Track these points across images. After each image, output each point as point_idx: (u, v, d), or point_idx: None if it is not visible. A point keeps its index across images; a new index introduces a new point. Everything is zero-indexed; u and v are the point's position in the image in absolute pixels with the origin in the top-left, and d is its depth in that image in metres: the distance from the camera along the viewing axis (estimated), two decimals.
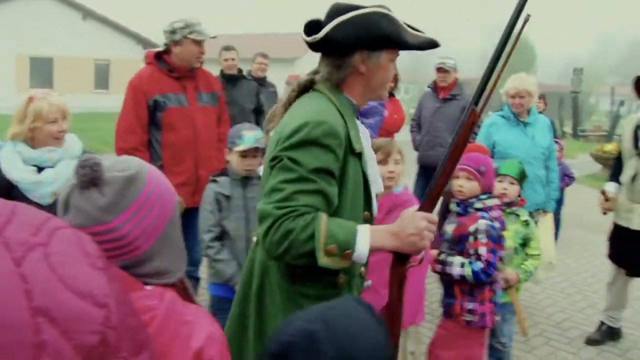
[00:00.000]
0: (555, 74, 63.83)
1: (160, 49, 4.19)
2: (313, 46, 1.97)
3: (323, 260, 1.77)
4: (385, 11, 1.95)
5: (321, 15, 2.01)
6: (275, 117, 2.09)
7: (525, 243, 3.66)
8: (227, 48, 6.34)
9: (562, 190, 6.89)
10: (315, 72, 2.08)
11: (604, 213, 4.57)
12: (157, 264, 1.26)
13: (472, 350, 3.18)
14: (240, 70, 6.37)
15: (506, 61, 1.85)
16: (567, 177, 6.81)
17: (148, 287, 1.23)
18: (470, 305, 3.08)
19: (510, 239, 3.55)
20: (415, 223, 1.86)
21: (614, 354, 4.49)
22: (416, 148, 6.41)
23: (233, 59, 6.28)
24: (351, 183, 1.95)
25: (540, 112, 6.13)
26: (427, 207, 1.93)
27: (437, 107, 6.19)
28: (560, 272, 6.42)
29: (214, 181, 3.36)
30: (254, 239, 2.10)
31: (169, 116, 4.06)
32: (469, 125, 1.90)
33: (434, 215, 1.93)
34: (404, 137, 6.22)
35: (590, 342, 4.63)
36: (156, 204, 1.26)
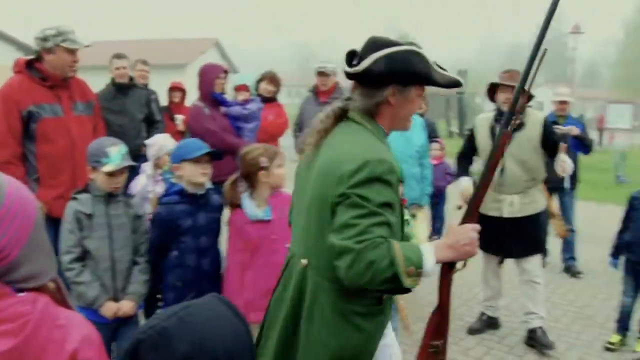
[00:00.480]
0: None
1: (32, 56, 4.03)
2: (349, 75, 2.16)
3: (407, 282, 1.93)
4: (418, 49, 2.13)
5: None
6: (311, 140, 2.34)
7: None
8: (118, 56, 6.08)
9: (444, 188, 7.19)
10: (348, 99, 2.27)
11: (459, 207, 4.83)
12: (27, 268, 1.27)
13: None
14: (131, 79, 6.14)
15: (529, 90, 2.23)
16: (448, 176, 7.07)
17: (21, 294, 1.23)
18: None
19: None
20: (468, 234, 2.09)
21: (493, 341, 4.76)
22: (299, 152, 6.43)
23: (124, 67, 6.01)
24: (397, 209, 2.12)
25: (422, 113, 6.39)
26: (471, 219, 2.20)
27: (318, 111, 6.21)
28: None
29: (75, 198, 3.14)
30: (304, 262, 2.20)
31: (43, 127, 3.91)
32: (502, 146, 2.24)
33: (477, 225, 2.16)
34: (287, 141, 6.23)
35: (472, 331, 4.90)
36: (19, 212, 1.26)
